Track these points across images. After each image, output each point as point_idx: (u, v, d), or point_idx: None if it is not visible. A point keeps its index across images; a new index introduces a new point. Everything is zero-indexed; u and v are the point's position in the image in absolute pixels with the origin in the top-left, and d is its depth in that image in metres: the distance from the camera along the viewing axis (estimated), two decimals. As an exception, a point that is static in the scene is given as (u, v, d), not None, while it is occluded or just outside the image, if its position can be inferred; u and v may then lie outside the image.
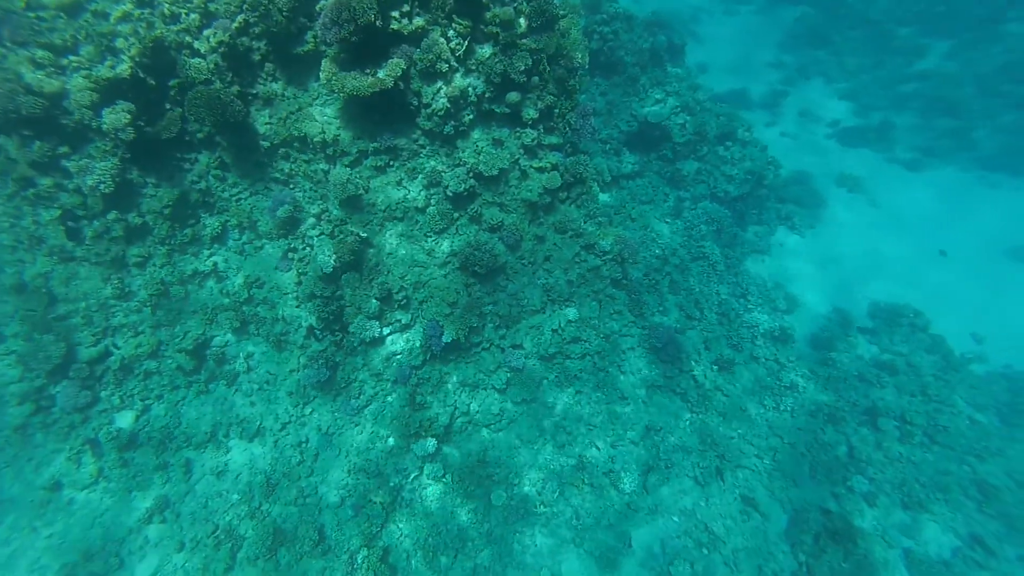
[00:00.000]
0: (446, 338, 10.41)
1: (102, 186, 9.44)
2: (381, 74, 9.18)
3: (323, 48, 9.39)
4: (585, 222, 11.76)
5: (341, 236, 10.10)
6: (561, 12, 10.06)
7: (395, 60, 9.25)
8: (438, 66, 9.34)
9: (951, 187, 18.33)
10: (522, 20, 9.60)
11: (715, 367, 12.94)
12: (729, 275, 14.34)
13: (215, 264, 10.94)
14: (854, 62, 21.73)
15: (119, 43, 9.45)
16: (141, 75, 9.47)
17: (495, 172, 10.20)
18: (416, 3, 9.14)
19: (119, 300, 10.42)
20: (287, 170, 10.63)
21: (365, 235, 10.18)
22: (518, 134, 10.47)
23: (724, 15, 24.94)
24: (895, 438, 12.18)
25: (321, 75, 9.43)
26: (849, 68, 21.79)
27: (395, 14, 9.01)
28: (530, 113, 10.21)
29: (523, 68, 9.57)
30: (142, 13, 9.60)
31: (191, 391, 10.89)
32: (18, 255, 10.02)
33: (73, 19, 9.63)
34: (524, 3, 9.55)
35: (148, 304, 10.56)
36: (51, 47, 9.24)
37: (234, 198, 10.86)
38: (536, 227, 11.28)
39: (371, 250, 10.51)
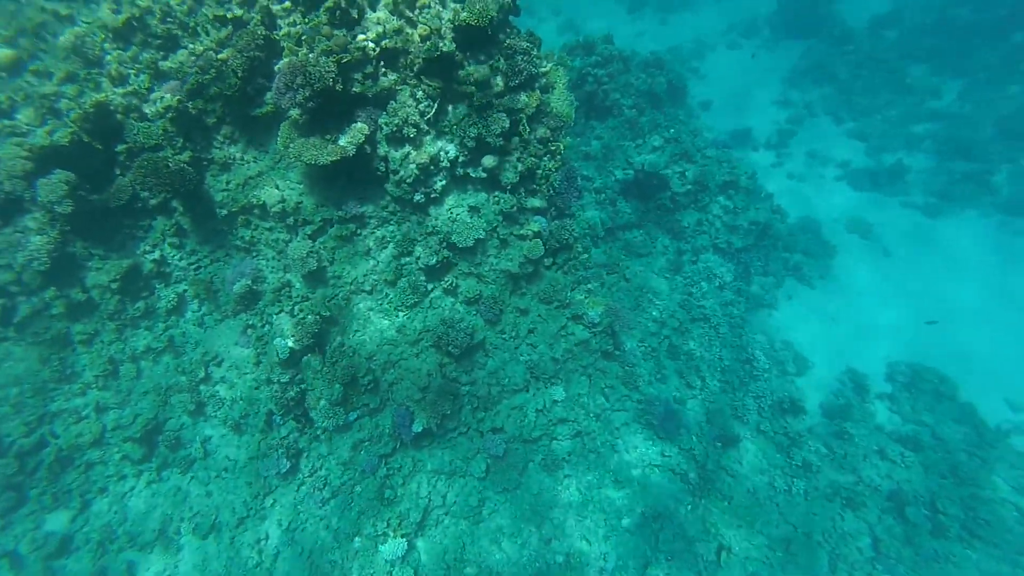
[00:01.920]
0: (416, 427, 9.38)
1: (35, 263, 8.60)
2: (342, 141, 8.34)
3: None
4: (573, 290, 10.76)
5: (301, 316, 9.15)
6: (543, 68, 9.21)
7: (358, 125, 8.42)
8: (405, 131, 8.49)
9: (971, 234, 17.17)
10: (499, 79, 8.75)
11: (718, 443, 11.78)
12: (733, 336, 13.24)
13: (171, 338, 10.02)
14: (864, 101, 20.79)
15: (63, 104, 8.71)
16: (86, 139, 8.69)
17: (470, 243, 9.26)
18: (381, 63, 8.33)
19: (59, 383, 9.50)
20: (248, 237, 9.76)
21: (328, 314, 9.23)
22: (497, 199, 9.56)
23: (727, 49, 24.13)
24: (927, 531, 10.88)
25: (278, 141, 8.62)
26: (859, 107, 20.84)
27: (358, 76, 8.19)
28: (509, 177, 9.31)
29: (500, 131, 8.69)
30: (89, 73, 8.87)
31: (140, 481, 9.89)
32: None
33: (11, 79, 8.93)
34: (501, 61, 8.71)
35: (94, 386, 9.63)
36: (-20, 112, 8.50)
37: (192, 266, 9.99)
38: (518, 298, 10.30)
39: (335, 328, 9.55)
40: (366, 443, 9.95)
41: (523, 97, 8.87)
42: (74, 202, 8.42)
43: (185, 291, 9.99)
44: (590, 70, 15.33)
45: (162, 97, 8.46)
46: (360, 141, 8.29)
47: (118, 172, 9.15)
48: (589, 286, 11.09)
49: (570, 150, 16.08)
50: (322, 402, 9.35)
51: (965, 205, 17.59)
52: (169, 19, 8.79)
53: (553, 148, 9.71)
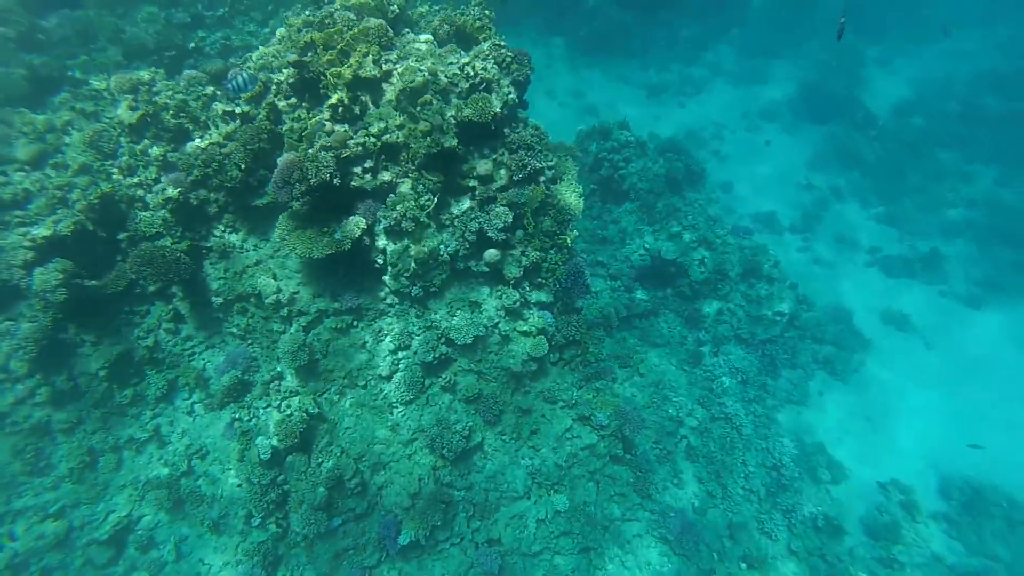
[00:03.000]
0: (403, 539, 8.54)
1: (21, 352, 8.42)
2: (339, 235, 8.12)
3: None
4: (580, 388, 10.05)
5: (287, 413, 8.64)
6: (549, 162, 9.01)
7: (355, 219, 8.22)
8: (404, 225, 8.24)
9: (1022, 326, 15.90)
10: (503, 172, 8.55)
11: (743, 564, 10.46)
12: (757, 438, 12.12)
13: (157, 427, 9.59)
14: (892, 185, 20.22)
15: (74, 195, 8.83)
16: (90, 228, 8.73)
17: (469, 340, 8.76)
18: (382, 158, 8.23)
19: (30, 476, 9.06)
20: (244, 325, 9.49)
21: (316, 411, 8.70)
22: (499, 293, 9.12)
23: (747, 132, 24.17)
24: None
25: (275, 233, 8.49)
26: (887, 191, 20.26)
27: (357, 170, 8.08)
28: (512, 272, 8.91)
29: (502, 225, 8.38)
30: (102, 165, 9.05)
31: (103, 587, 9.16)
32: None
33: (33, 171, 9.17)
34: (505, 154, 8.54)
35: (67, 479, 9.16)
36: (-2, 202, 8.65)
37: (187, 353, 9.72)
38: (521, 396, 9.62)
39: (324, 425, 8.98)
40: (350, 552, 9.10)
41: (527, 191, 8.61)
42: (69, 290, 8.31)
43: (176, 378, 9.67)
44: (606, 155, 15.29)
45: (164, 189, 8.48)
46: (356, 235, 8.07)
47: (119, 259, 9.12)
48: (598, 384, 10.36)
49: (586, 234, 15.85)
50: (304, 506, 8.64)
51: (1015, 294, 16.40)
52: (182, 114, 9.01)
53: (559, 241, 9.34)
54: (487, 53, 8.28)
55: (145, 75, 9.44)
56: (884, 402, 14.26)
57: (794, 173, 21.85)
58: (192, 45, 13.45)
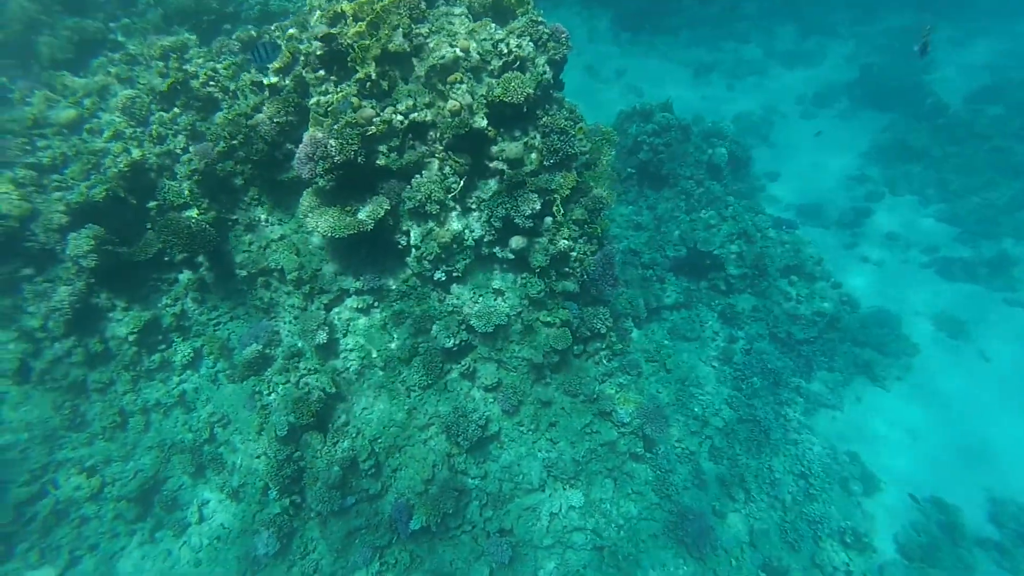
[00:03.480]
0: (414, 524, 8.51)
1: (57, 314, 8.64)
2: (362, 214, 7.94)
3: (306, 179, 8.33)
4: (602, 382, 9.74)
5: (304, 391, 8.65)
6: (583, 147, 8.56)
7: (379, 199, 8.02)
8: (428, 207, 7.99)
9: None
10: (533, 156, 8.16)
11: (762, 574, 10.11)
12: (786, 443, 11.59)
13: (183, 393, 9.81)
14: (958, 180, 18.71)
15: (107, 161, 8.89)
16: (122, 195, 8.81)
17: (490, 329, 8.53)
18: (409, 136, 7.94)
19: (68, 431, 9.41)
20: (267, 299, 9.52)
21: (333, 390, 8.67)
22: (524, 281, 8.82)
23: (801, 119, 22.74)
24: None
25: (299, 209, 8.37)
26: (952, 187, 18.78)
27: (383, 148, 7.82)
28: (539, 260, 8.57)
29: (529, 213, 8.03)
30: (134, 131, 9.07)
31: (133, 540, 9.52)
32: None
33: (70, 136, 9.27)
34: (537, 138, 8.13)
35: (100, 436, 9.48)
36: (37, 167, 8.78)
37: (212, 322, 9.86)
38: (541, 388, 9.39)
39: (341, 405, 8.97)
40: (362, 531, 9.16)
41: (558, 177, 8.20)
42: (100, 256, 8.45)
43: (202, 346, 9.83)
44: (646, 138, 14.60)
45: (190, 160, 8.43)
46: (379, 216, 7.87)
47: (148, 226, 9.20)
48: (622, 379, 10.02)
49: (620, 219, 15.29)
50: (319, 484, 8.70)
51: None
52: (211, 83, 8.90)
53: (590, 230, 8.94)
54: (523, 29, 7.82)
55: (176, 41, 9.36)
56: (929, 414, 13.40)
57: (847, 163, 20.50)
58: (231, 9, 13.33)
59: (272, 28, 9.42)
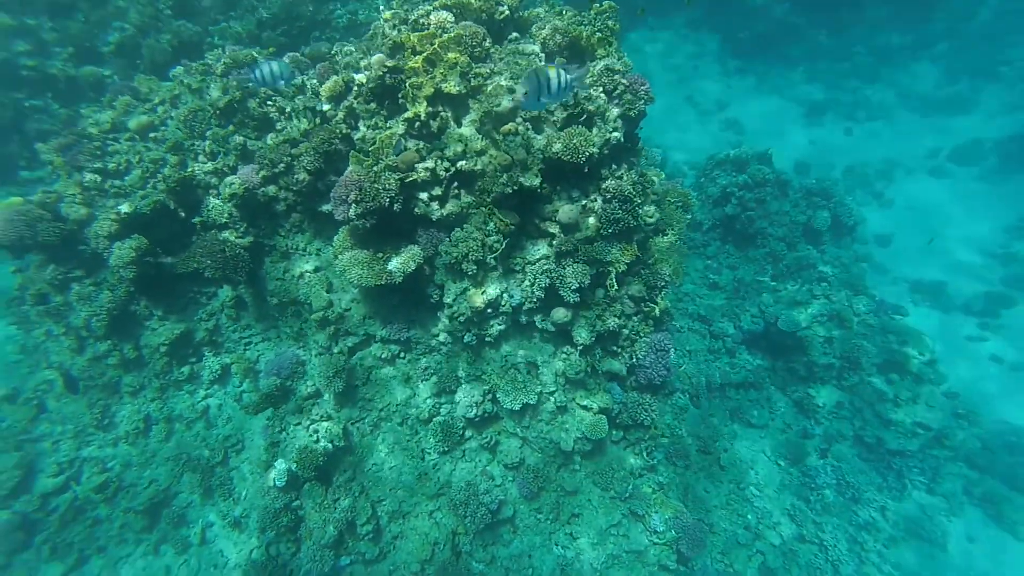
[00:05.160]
0: (404, 606, 7.75)
1: (95, 320, 8.69)
2: (392, 265, 7.26)
3: (343, 216, 7.79)
4: (640, 476, 8.52)
5: (312, 439, 8.12)
6: (649, 218, 7.41)
7: (412, 250, 7.31)
8: (464, 267, 7.17)
9: None
10: (591, 221, 7.12)
11: None
12: (863, 579, 9.72)
13: (207, 407, 9.67)
14: None
15: (166, 171, 8.84)
16: (171, 207, 8.72)
17: (517, 407, 7.59)
18: (454, 184, 7.16)
19: (97, 430, 9.51)
20: (297, 328, 9.14)
21: (342, 444, 8.08)
22: (563, 356, 7.80)
23: (928, 175, 19.78)
24: None
25: (333, 247, 7.83)
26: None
27: (423, 196, 7.09)
28: (582, 336, 7.52)
29: (576, 287, 7.00)
30: (193, 144, 8.97)
31: (139, 550, 9.48)
32: (21, 368, 9.67)
33: (138, 143, 9.35)
34: (597, 202, 7.09)
35: (125, 440, 9.52)
36: (103, 171, 8.90)
37: (244, 341, 9.63)
38: (568, 474, 8.33)
39: (350, 457, 8.37)
40: (353, 597, 8.52)
41: (615, 250, 7.11)
42: (140, 267, 8.38)
43: (231, 364, 9.63)
44: (735, 190, 13.03)
45: (231, 183, 8.13)
46: (410, 270, 7.15)
47: (194, 238, 9.08)
48: (663, 476, 8.74)
49: (695, 274, 13.81)
50: (313, 540, 8.15)
51: None
52: (268, 103, 8.59)
53: (646, 309, 7.77)
54: (595, 78, 6.80)
55: (245, 55, 9.15)
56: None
57: (986, 236, 17.41)
58: (322, 17, 13.28)
59: (340, 46, 8.97)
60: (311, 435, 8.22)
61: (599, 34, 7.41)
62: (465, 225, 7.23)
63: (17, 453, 9.30)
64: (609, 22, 7.50)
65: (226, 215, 8.37)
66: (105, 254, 8.62)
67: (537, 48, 7.34)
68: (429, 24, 7.15)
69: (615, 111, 6.93)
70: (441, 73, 6.71)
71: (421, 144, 7.06)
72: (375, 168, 6.83)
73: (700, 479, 9.91)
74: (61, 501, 9.28)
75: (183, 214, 8.89)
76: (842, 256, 13.50)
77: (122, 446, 9.61)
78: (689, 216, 8.50)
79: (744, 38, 23.52)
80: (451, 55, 6.70)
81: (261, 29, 12.63)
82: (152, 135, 9.30)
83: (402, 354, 8.43)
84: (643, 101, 6.90)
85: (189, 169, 8.53)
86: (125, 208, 8.40)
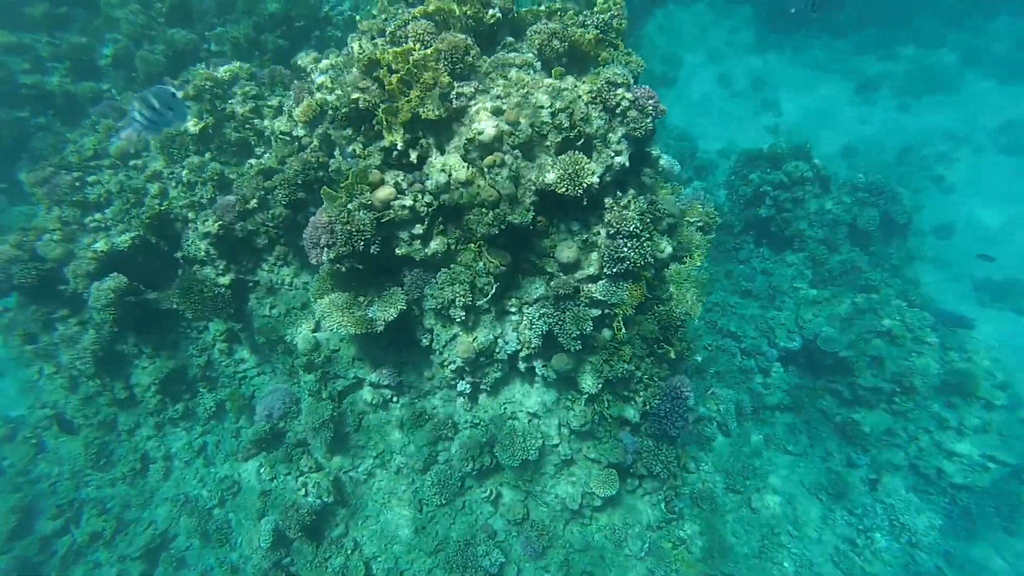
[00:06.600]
0: (399, 673, 7.21)
1: (79, 363, 8.33)
2: (372, 312, 6.54)
3: (323, 254, 7.08)
4: (658, 529, 7.68)
5: (300, 494, 7.58)
6: (661, 250, 6.43)
7: (395, 294, 6.56)
8: (452, 313, 6.38)
9: None
10: (593, 257, 6.21)
11: None
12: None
13: (205, 444, 9.31)
14: None
15: (147, 202, 8.32)
16: (152, 241, 8.23)
17: (516, 464, 6.83)
18: (438, 220, 6.33)
19: (94, 470, 9.28)
20: (289, 365, 8.58)
21: (331, 499, 7.51)
22: (567, 404, 6.98)
23: (1000, 154, 17.59)
24: None
25: (311, 288, 7.16)
26: None
27: (404, 235, 6.30)
28: (588, 385, 6.68)
29: (577, 334, 6.13)
30: (171, 172, 8.40)
31: (138, 593, 9.29)
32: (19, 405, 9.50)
33: (118, 172, 8.84)
34: (601, 235, 6.16)
35: (123, 480, 9.27)
36: (82, 204, 8.46)
37: (238, 375, 9.16)
38: (577, 527, 7.56)
39: (343, 510, 7.82)
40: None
41: (621, 291, 6.18)
42: (121, 307, 7.92)
43: (226, 401, 9.20)
44: (770, 190, 11.72)
45: (205, 220, 7.51)
46: (392, 318, 6.41)
47: (179, 272, 8.58)
48: (687, 526, 7.88)
49: (725, 280, 12.63)
50: (306, 597, 7.68)
51: None
52: (247, 126, 7.90)
53: (661, 351, 6.82)
54: (594, 95, 5.79)
55: (226, 74, 8.41)
56: None
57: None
58: (322, 13, 12.47)
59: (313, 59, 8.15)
60: (300, 487, 7.68)
61: (599, 36, 6.36)
62: (452, 265, 6.41)
63: (17, 494, 9.18)
64: (613, 22, 6.43)
65: (203, 252, 7.79)
66: (84, 294, 8.22)
67: (531, 56, 6.35)
68: (407, 36, 6.24)
69: (619, 132, 5.91)
70: (417, 96, 5.83)
71: (401, 175, 6.23)
72: (349, 206, 6.06)
73: (727, 520, 8.99)
74: (59, 545, 9.13)
75: (165, 247, 8.39)
76: (893, 255, 12.05)
77: (120, 486, 9.36)
78: (712, 236, 7.44)
79: (781, 8, 21.46)
80: (427, 75, 5.80)
81: (259, 31, 11.94)
82: (132, 163, 8.75)
83: (394, 399, 7.75)
84: (650, 118, 5.86)
85: (168, 200, 7.95)
86: (100, 246, 7.95)
